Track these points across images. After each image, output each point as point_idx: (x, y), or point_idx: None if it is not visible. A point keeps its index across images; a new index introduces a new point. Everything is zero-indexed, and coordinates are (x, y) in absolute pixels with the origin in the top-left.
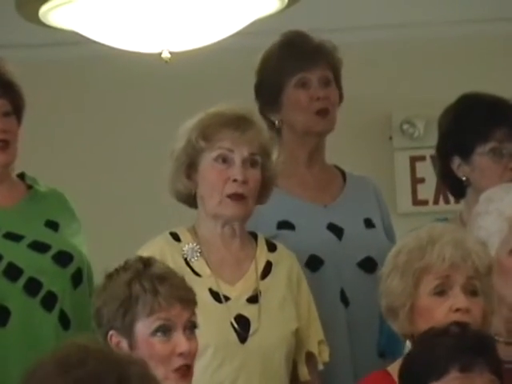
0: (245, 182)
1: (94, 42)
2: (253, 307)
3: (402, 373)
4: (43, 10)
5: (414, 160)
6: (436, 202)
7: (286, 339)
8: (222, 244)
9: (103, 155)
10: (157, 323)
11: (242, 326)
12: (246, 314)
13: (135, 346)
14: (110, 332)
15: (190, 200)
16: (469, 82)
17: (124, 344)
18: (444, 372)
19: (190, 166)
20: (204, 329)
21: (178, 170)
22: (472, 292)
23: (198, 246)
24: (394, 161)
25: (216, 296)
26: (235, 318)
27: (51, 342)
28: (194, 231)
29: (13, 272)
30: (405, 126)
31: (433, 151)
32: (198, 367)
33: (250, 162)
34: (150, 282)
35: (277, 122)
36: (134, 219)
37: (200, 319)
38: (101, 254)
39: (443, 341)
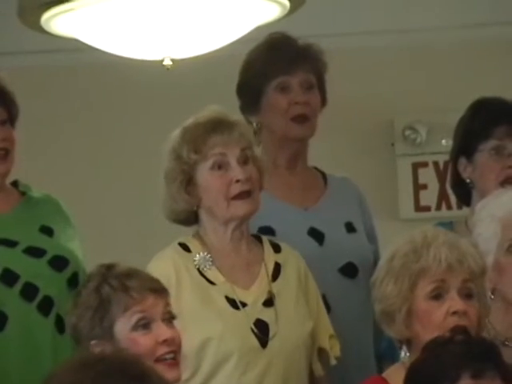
0: (248, 179)
1: (96, 50)
2: (269, 311)
3: (409, 380)
4: (45, 18)
5: (416, 166)
6: (438, 208)
7: (304, 340)
8: (231, 249)
9: (104, 162)
10: (135, 317)
11: (262, 331)
12: (264, 318)
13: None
14: (92, 342)
15: (190, 217)
16: (471, 87)
17: (108, 351)
18: (455, 379)
19: (188, 182)
20: (225, 337)
21: (178, 190)
22: (467, 295)
23: (209, 255)
24: (396, 167)
25: (233, 303)
26: (254, 324)
27: (48, 346)
28: (201, 239)
29: (9, 277)
30: (407, 132)
31: (435, 157)
32: (221, 376)
33: (242, 159)
34: (117, 281)
35: (255, 124)
36: (134, 227)
37: (219, 327)
38: (97, 261)
39: (451, 348)
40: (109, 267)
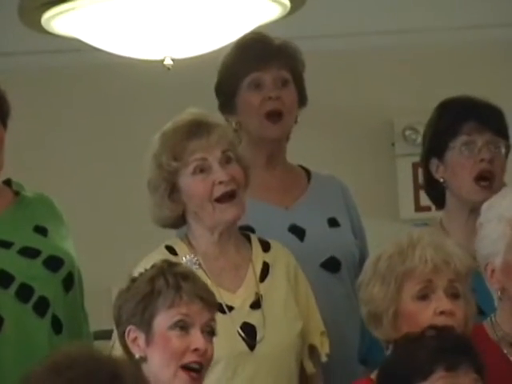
0: (231, 180)
1: (97, 49)
2: (257, 313)
3: (383, 377)
4: (46, 18)
5: (416, 166)
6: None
7: (293, 341)
8: (219, 252)
9: (105, 162)
10: (176, 317)
11: (249, 334)
12: (251, 321)
13: (151, 342)
14: (129, 327)
15: (178, 222)
16: (471, 88)
17: (141, 340)
18: (429, 372)
19: (171, 189)
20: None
21: (162, 198)
22: (454, 295)
23: (195, 258)
24: (396, 167)
25: (219, 307)
26: (241, 327)
27: (45, 347)
28: (188, 242)
29: (4, 279)
30: (407, 133)
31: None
32: (210, 381)
33: (225, 160)
34: (173, 278)
35: (234, 124)
36: (130, 227)
37: None
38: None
39: (424, 343)
40: (171, 264)
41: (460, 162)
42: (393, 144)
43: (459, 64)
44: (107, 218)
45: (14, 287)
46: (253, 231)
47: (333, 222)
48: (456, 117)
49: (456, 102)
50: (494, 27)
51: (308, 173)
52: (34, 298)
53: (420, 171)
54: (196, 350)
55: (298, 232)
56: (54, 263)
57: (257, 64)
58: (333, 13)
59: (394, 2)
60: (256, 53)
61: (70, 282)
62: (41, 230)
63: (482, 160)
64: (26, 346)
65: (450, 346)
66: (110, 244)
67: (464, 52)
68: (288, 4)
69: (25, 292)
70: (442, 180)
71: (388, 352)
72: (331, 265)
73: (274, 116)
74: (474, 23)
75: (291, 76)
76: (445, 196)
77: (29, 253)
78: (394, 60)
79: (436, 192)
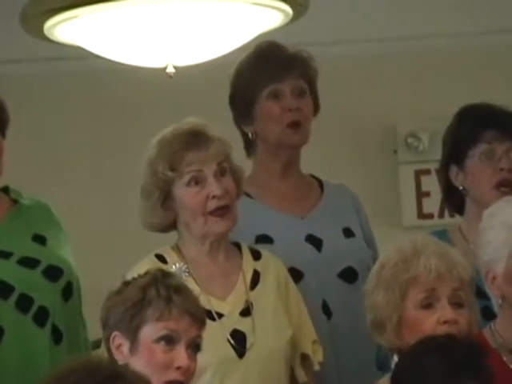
0: (225, 193)
1: (99, 57)
2: (246, 320)
3: None
4: (48, 25)
5: (418, 173)
6: (441, 215)
7: (282, 348)
8: (208, 260)
9: (107, 169)
10: (163, 332)
11: (238, 341)
12: (240, 328)
13: (135, 351)
14: (114, 333)
15: (167, 228)
16: (473, 94)
17: (125, 348)
18: None
19: (165, 197)
20: (202, 349)
21: (154, 205)
22: (458, 303)
23: (185, 266)
24: (398, 174)
25: (209, 314)
26: (231, 334)
27: (45, 357)
28: (178, 250)
29: (4, 289)
30: (409, 140)
31: (438, 165)
32: None
33: (220, 173)
34: (165, 290)
35: (250, 134)
36: (135, 238)
37: None
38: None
39: (434, 360)
40: (165, 274)
41: (480, 171)
42: (395, 151)
43: (462, 71)
44: (113, 227)
45: (13, 298)
46: (271, 240)
47: (348, 232)
48: (476, 125)
49: (475, 110)
50: (498, 33)
51: (320, 182)
52: (34, 309)
53: (423, 178)
54: (179, 367)
55: (315, 242)
56: (54, 273)
57: (276, 75)
58: (333, 19)
59: (397, 8)
60: (274, 63)
61: (69, 291)
62: (39, 239)
63: (501, 169)
64: (26, 357)
65: (458, 364)
66: (114, 252)
67: (468, 58)
68: (290, 11)
69: (24, 302)
70: (461, 188)
71: (392, 360)
72: (348, 275)
73: (294, 126)
74: (477, 29)
75: (307, 85)
76: (463, 202)
77: (28, 263)
78: (396, 67)
79: (454, 199)
